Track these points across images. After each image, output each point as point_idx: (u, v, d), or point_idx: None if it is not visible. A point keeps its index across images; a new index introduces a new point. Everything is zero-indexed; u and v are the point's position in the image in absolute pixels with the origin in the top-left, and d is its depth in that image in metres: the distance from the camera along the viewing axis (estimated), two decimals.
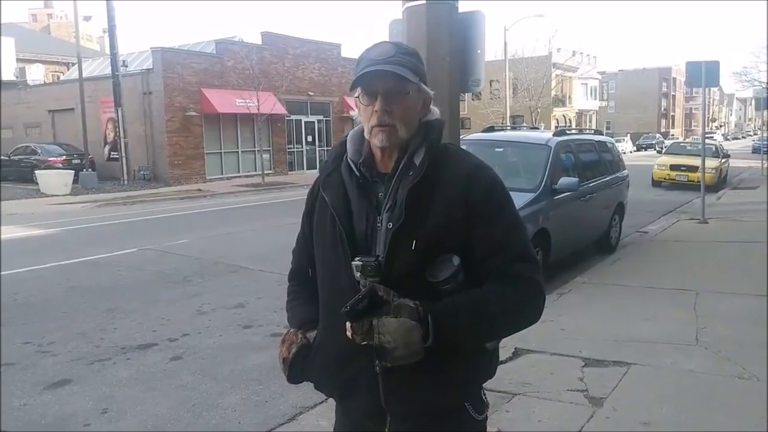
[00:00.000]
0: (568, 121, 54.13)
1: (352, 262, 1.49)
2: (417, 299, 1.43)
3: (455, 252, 1.49)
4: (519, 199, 6.77)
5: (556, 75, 49.31)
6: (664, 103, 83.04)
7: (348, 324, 1.40)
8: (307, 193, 1.74)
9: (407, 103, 1.53)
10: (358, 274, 1.49)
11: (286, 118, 26.91)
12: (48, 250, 9.94)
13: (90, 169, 21.76)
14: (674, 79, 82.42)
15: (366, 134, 1.57)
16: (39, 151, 23.15)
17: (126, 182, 22.34)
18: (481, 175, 1.55)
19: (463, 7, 3.46)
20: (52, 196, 18.93)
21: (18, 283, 7.56)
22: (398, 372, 1.45)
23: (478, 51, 3.55)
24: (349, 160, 1.60)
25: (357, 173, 1.58)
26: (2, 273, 8.00)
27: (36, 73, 34.16)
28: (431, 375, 1.50)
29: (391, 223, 1.50)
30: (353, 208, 1.57)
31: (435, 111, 1.63)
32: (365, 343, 1.39)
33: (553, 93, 49.04)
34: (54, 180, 19.88)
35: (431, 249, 1.48)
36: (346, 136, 1.66)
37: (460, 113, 4.10)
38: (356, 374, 1.55)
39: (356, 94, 1.58)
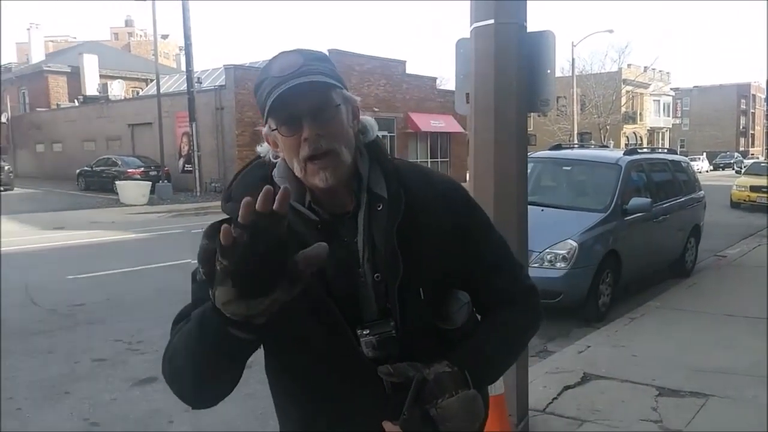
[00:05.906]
0: (638, 138, 52.60)
1: (362, 338, 1.17)
2: (434, 356, 1.19)
3: (456, 285, 1.27)
4: (588, 220, 6.63)
5: (627, 91, 48.09)
6: (742, 120, 79.37)
7: (388, 424, 1.15)
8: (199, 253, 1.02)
9: (340, 117, 1.19)
10: (369, 351, 1.17)
11: None
12: (131, 255, 10.53)
13: (166, 181, 22.73)
14: (754, 95, 78.75)
15: (298, 172, 1.18)
16: (119, 163, 24.44)
17: (198, 194, 23.18)
18: (456, 192, 1.32)
19: (531, 24, 3.46)
20: (131, 205, 19.87)
21: (110, 285, 8.16)
22: None
23: (548, 71, 3.52)
24: (293, 203, 1.16)
25: (315, 216, 1.20)
26: (97, 274, 8.80)
27: (117, 89, 36.10)
28: None
29: (378, 274, 1.19)
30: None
31: (368, 122, 1.31)
32: None
33: (623, 110, 47.86)
34: (133, 190, 20.86)
35: (438, 293, 1.24)
36: (259, 174, 1.25)
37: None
38: None
39: (270, 127, 1.20)
